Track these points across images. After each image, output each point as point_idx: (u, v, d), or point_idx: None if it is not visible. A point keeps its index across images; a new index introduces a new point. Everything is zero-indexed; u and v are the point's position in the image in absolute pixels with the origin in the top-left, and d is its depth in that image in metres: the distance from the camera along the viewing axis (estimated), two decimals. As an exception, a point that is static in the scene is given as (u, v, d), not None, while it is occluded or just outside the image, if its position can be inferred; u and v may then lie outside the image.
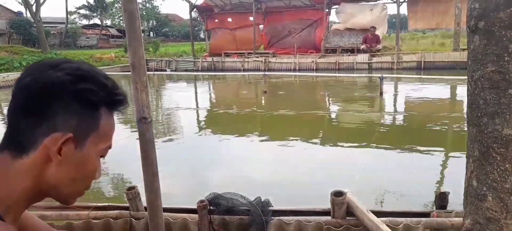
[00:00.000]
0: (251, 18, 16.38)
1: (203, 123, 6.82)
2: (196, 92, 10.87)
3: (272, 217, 1.78)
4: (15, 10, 31.20)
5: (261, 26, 17.27)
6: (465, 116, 1.08)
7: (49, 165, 0.50)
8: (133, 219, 1.90)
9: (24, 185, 0.50)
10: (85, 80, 0.50)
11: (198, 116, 7.51)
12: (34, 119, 0.49)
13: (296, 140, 4.97)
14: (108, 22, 40.52)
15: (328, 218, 1.75)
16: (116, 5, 37.82)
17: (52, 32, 31.21)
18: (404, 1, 14.61)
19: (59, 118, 0.49)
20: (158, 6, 45.30)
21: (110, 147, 0.57)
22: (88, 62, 0.55)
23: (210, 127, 6.38)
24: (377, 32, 14.07)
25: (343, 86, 10.21)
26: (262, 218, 1.72)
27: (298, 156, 4.32)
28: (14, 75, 11.40)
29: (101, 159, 0.57)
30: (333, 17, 17.24)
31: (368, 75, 10.73)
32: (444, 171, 3.74)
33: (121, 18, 36.84)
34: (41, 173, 0.50)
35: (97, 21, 39.36)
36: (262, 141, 5.09)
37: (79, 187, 0.55)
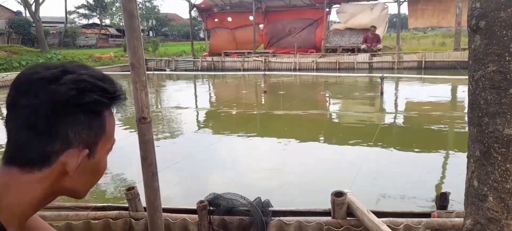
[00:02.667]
0: (251, 18, 16.37)
1: (203, 122, 6.81)
2: (195, 92, 10.87)
3: (272, 218, 1.78)
4: (14, 10, 31.16)
5: (261, 26, 17.26)
6: (466, 116, 1.07)
7: (65, 177, 0.52)
8: (132, 220, 1.90)
9: (33, 196, 0.51)
10: (88, 91, 0.50)
11: (197, 116, 7.51)
12: (44, 137, 0.49)
13: (296, 140, 4.96)
14: (108, 21, 40.47)
15: (329, 218, 1.75)
16: (115, 4, 37.79)
17: (51, 31, 31.19)
18: (404, 1, 14.60)
19: (70, 133, 0.50)
20: (157, 6, 45.26)
21: (114, 142, 0.59)
22: (84, 65, 0.54)
23: (210, 127, 6.37)
24: (377, 32, 14.06)
25: (344, 86, 10.20)
26: (262, 219, 1.72)
27: (298, 156, 4.31)
28: (13, 75, 11.39)
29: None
30: (333, 16, 17.26)
31: (368, 75, 10.71)
32: (445, 171, 3.73)
33: (120, 17, 36.83)
34: (55, 184, 0.52)
35: (96, 20, 39.32)
36: (262, 141, 5.08)
37: (92, 183, 0.58)
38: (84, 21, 39.55)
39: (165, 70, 15.02)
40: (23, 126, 0.49)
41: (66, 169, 0.50)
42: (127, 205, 1.93)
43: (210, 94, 10.69)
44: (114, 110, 0.56)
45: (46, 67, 0.51)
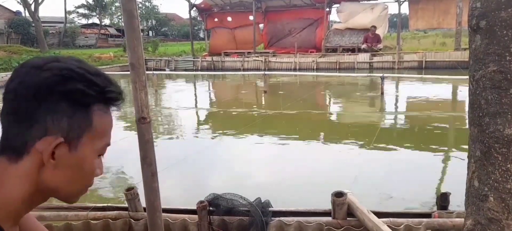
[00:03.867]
0: (251, 18, 16.36)
1: (202, 122, 6.81)
2: (195, 92, 10.86)
3: (272, 218, 1.77)
4: (14, 10, 31.17)
5: (261, 26, 17.24)
6: (467, 116, 1.07)
7: (44, 169, 0.50)
8: (132, 220, 1.89)
9: (22, 190, 0.49)
10: (72, 80, 0.48)
11: (197, 116, 7.50)
12: (24, 123, 0.48)
13: (296, 140, 4.96)
14: (107, 21, 40.47)
15: (329, 219, 1.75)
16: (115, 4, 37.78)
17: (50, 31, 31.19)
18: (405, 1, 14.60)
19: (49, 120, 0.48)
20: (157, 6, 45.25)
21: (108, 144, 0.56)
22: (78, 59, 0.52)
23: (210, 127, 6.37)
24: (378, 32, 14.05)
25: (344, 86, 10.20)
26: (262, 219, 1.71)
27: (298, 156, 4.31)
28: (14, 75, 11.36)
29: (101, 156, 0.56)
30: (333, 16, 17.27)
31: (369, 75, 10.71)
32: (446, 171, 3.73)
33: (120, 17, 36.81)
34: (37, 177, 0.50)
35: (96, 20, 39.31)
36: (262, 141, 5.08)
37: (79, 186, 0.54)
38: (84, 21, 39.55)
39: (164, 70, 15.00)
40: (8, 112, 0.49)
41: (42, 158, 0.48)
42: (126, 206, 1.93)
43: (210, 94, 10.69)
44: (111, 109, 0.54)
45: (40, 58, 0.51)
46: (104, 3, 37.83)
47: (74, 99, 0.49)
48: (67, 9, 34.69)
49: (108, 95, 0.52)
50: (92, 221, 1.89)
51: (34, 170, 0.49)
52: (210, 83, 12.29)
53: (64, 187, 0.52)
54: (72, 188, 0.54)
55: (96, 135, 0.53)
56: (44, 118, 0.48)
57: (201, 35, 32.54)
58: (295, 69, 13.40)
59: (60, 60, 0.50)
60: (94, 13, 39.31)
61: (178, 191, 3.40)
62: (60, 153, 0.49)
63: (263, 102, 8.38)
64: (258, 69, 13.22)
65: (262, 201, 1.82)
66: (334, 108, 7.87)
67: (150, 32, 43.29)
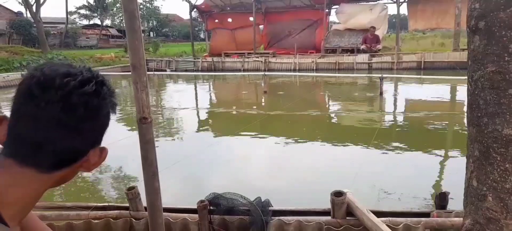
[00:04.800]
0: (251, 19, 16.37)
1: (203, 122, 6.82)
2: (196, 93, 10.87)
3: (272, 217, 1.78)
4: (15, 10, 31.24)
5: (261, 27, 17.26)
6: (465, 116, 1.08)
7: (76, 171, 0.56)
8: (133, 219, 1.90)
9: (38, 192, 0.52)
10: (107, 98, 0.55)
11: (198, 116, 7.51)
12: (77, 138, 0.52)
13: (296, 140, 4.96)
14: (108, 22, 40.53)
15: (328, 218, 1.75)
16: (116, 5, 37.81)
17: (52, 32, 31.24)
18: (404, 1, 14.61)
19: (97, 136, 0.55)
20: (158, 6, 45.29)
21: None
22: (90, 68, 0.57)
23: (210, 127, 6.38)
24: (377, 32, 14.07)
25: (343, 87, 10.21)
26: (262, 218, 1.72)
27: (298, 156, 4.31)
28: (14, 75, 11.36)
29: None
30: (333, 17, 17.25)
31: (368, 75, 10.72)
32: (444, 171, 3.74)
33: (121, 18, 36.86)
34: (64, 179, 0.55)
35: (97, 21, 39.37)
36: (262, 140, 5.09)
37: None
38: (85, 22, 39.63)
39: (165, 70, 15.02)
40: (48, 123, 0.48)
41: (86, 164, 0.55)
42: (127, 205, 1.94)
43: (210, 94, 10.70)
44: None
45: (68, 70, 0.51)
46: (105, 4, 37.90)
47: (106, 113, 0.55)
48: (69, 10, 34.76)
49: (115, 104, 0.58)
50: (93, 221, 1.90)
51: (64, 177, 0.55)
52: (211, 84, 12.30)
53: (71, 178, 0.58)
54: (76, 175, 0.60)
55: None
56: (92, 132, 0.54)
57: (202, 36, 32.57)
58: (295, 70, 13.41)
59: (98, 78, 0.54)
60: (95, 14, 39.37)
61: (179, 190, 3.41)
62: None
63: (263, 103, 8.38)
64: (258, 70, 13.24)
65: (262, 201, 1.82)
66: (334, 108, 7.88)
67: (151, 33, 43.34)
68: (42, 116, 0.48)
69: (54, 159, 0.51)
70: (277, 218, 1.78)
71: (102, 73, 0.58)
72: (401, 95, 8.90)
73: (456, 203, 2.08)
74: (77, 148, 0.53)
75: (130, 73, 1.33)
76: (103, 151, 0.56)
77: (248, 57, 14.70)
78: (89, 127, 0.53)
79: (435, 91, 8.42)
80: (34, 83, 0.49)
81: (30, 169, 0.50)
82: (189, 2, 17.25)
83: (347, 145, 4.71)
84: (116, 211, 1.95)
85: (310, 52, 15.01)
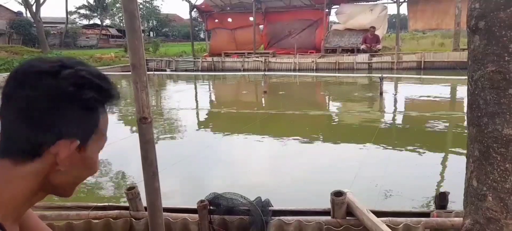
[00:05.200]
0: (251, 18, 16.37)
1: (203, 122, 6.82)
2: (196, 92, 10.87)
3: (272, 217, 1.78)
4: (15, 10, 31.24)
5: (261, 27, 17.26)
6: (465, 116, 1.08)
7: (55, 170, 0.52)
8: (133, 219, 1.90)
9: (26, 190, 0.51)
10: (86, 88, 0.51)
11: (198, 116, 7.51)
12: (38, 127, 0.50)
13: (296, 139, 4.96)
14: (108, 22, 40.52)
15: (328, 218, 1.75)
16: (116, 5, 37.82)
17: (52, 32, 31.23)
18: (404, 1, 14.61)
19: (64, 126, 0.51)
20: (158, 6, 45.29)
21: (106, 140, 0.59)
22: (81, 61, 0.55)
23: (210, 127, 6.38)
24: (377, 32, 14.07)
25: (343, 87, 10.21)
26: (262, 218, 1.72)
27: (298, 156, 4.31)
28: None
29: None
30: (333, 17, 17.25)
31: (368, 75, 10.73)
32: (444, 171, 3.74)
33: (121, 18, 36.85)
34: (46, 177, 0.52)
35: (97, 21, 39.35)
36: (262, 140, 5.09)
37: (80, 181, 0.58)
38: (85, 22, 39.62)
39: (165, 70, 15.02)
40: (17, 117, 0.50)
41: (56, 159, 0.51)
42: (127, 205, 1.94)
43: (210, 94, 10.70)
44: (107, 109, 0.57)
45: (44, 61, 0.52)
46: (105, 4, 37.89)
47: (86, 106, 0.52)
48: (68, 10, 34.75)
49: (110, 97, 0.55)
50: (93, 220, 1.90)
51: (44, 171, 0.52)
52: (211, 84, 12.30)
53: (68, 184, 0.56)
54: (74, 184, 0.57)
55: (100, 134, 0.56)
56: (59, 123, 0.50)
57: (202, 36, 32.56)
58: (294, 70, 13.41)
59: (67, 64, 0.51)
60: (95, 14, 39.37)
61: (179, 190, 3.41)
62: (73, 155, 0.52)
63: (263, 103, 8.39)
64: (258, 70, 13.24)
65: (262, 200, 1.82)
66: (334, 108, 7.88)
67: (151, 33, 43.32)
68: (9, 106, 0.50)
69: (19, 147, 0.50)
70: (277, 218, 1.78)
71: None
72: (401, 95, 8.90)
73: (456, 203, 2.09)
74: (37, 137, 0.50)
75: (130, 73, 1.33)
76: (72, 143, 0.51)
77: (248, 57, 14.70)
78: (49, 116, 0.49)
79: (435, 91, 8.42)
80: (8, 77, 0.51)
81: (7, 161, 0.50)
82: (189, 2, 17.25)
83: (347, 145, 4.71)
84: (116, 211, 1.95)
85: (310, 52, 15.01)
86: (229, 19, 17.63)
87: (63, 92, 0.49)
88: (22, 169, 0.50)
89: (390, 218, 1.71)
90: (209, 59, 15.45)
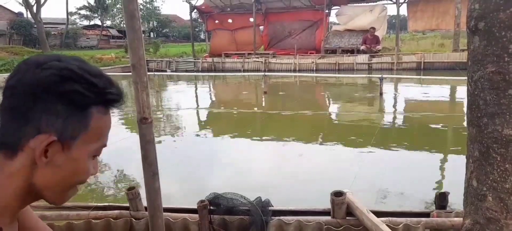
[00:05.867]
0: (251, 19, 16.39)
1: (203, 123, 6.82)
2: (196, 93, 10.88)
3: (272, 217, 1.78)
4: (16, 11, 31.29)
5: (261, 27, 17.28)
6: (465, 116, 1.08)
7: (36, 167, 0.49)
8: (133, 219, 1.90)
9: (15, 187, 0.49)
10: (71, 81, 0.48)
11: (198, 116, 7.51)
12: (21, 120, 0.48)
13: (296, 140, 4.97)
14: (109, 22, 40.54)
15: (328, 218, 1.75)
16: (116, 6, 37.87)
17: (52, 32, 31.24)
18: (403, 2, 14.62)
19: (43, 119, 0.48)
20: (158, 7, 45.30)
21: (104, 146, 0.55)
22: (80, 59, 0.52)
23: (211, 127, 6.38)
24: (377, 33, 14.08)
25: (343, 87, 10.21)
26: (262, 218, 1.72)
27: (298, 156, 4.32)
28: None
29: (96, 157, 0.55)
30: (333, 18, 17.27)
31: (368, 75, 10.73)
32: (444, 171, 3.74)
33: (121, 18, 36.90)
34: (30, 174, 0.49)
35: (97, 21, 39.39)
36: (262, 141, 5.09)
37: (69, 186, 0.53)
38: (86, 22, 39.64)
39: (166, 71, 15.04)
40: (6, 108, 0.49)
41: (34, 156, 0.48)
42: (128, 205, 1.94)
43: (210, 95, 10.70)
44: (110, 111, 0.53)
45: (42, 56, 0.51)
46: (105, 4, 37.92)
47: (71, 100, 0.48)
48: (69, 11, 34.79)
49: (108, 97, 0.51)
50: (93, 221, 1.90)
51: (26, 168, 0.49)
52: (211, 84, 12.30)
53: (53, 186, 0.51)
54: (62, 188, 0.52)
55: (92, 137, 0.52)
56: (39, 116, 0.48)
57: (202, 36, 32.60)
58: (294, 70, 13.42)
59: (62, 60, 0.49)
60: (96, 15, 39.40)
61: (179, 190, 3.41)
62: (53, 152, 0.49)
63: (263, 103, 8.39)
64: (258, 70, 13.25)
65: (262, 200, 1.83)
66: (334, 108, 7.88)
67: (151, 34, 43.34)
68: (3, 98, 0.50)
69: (6, 140, 0.49)
70: (277, 218, 1.78)
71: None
72: (401, 95, 8.91)
73: (456, 203, 2.09)
74: (20, 129, 0.48)
75: (130, 73, 1.33)
76: (49, 138, 0.47)
77: (248, 58, 14.71)
78: (28, 107, 0.47)
79: (435, 91, 8.42)
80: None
81: (1, 155, 0.49)
82: (189, 3, 17.26)
83: (347, 145, 4.71)
84: (116, 211, 1.95)
85: (310, 53, 15.02)
86: (229, 20, 17.64)
87: (44, 83, 0.47)
88: (9, 165, 0.49)
89: (390, 218, 1.71)
90: (209, 59, 15.46)
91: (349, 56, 13.72)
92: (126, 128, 5.68)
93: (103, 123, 0.53)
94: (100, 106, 0.51)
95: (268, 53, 15.38)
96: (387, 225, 1.62)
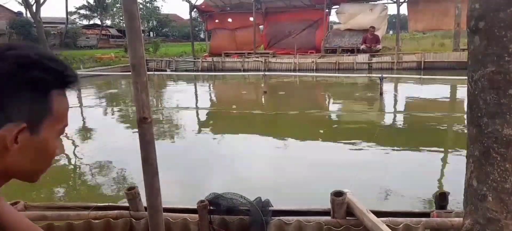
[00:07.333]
0: (251, 19, 16.38)
1: (203, 122, 6.82)
2: (196, 93, 10.87)
3: (272, 217, 1.78)
4: (15, 10, 31.26)
5: (261, 27, 17.27)
6: (465, 116, 1.08)
7: (8, 153, 0.51)
8: (133, 219, 1.90)
9: None
10: (30, 68, 0.49)
11: (198, 116, 7.51)
12: None
13: (296, 139, 4.97)
14: (108, 22, 40.52)
15: (328, 218, 1.75)
16: (116, 5, 37.85)
17: (52, 32, 31.21)
18: (404, 1, 14.62)
19: (10, 108, 0.49)
20: (158, 7, 45.30)
21: (66, 125, 0.58)
22: (32, 44, 0.54)
23: (210, 127, 6.38)
24: (377, 33, 14.08)
25: (343, 87, 10.21)
26: (262, 218, 1.72)
27: (298, 156, 4.32)
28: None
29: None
30: (333, 17, 17.27)
31: (368, 75, 10.73)
32: (444, 171, 3.74)
33: (121, 18, 36.87)
34: (1, 159, 0.51)
35: (97, 21, 39.35)
36: (262, 140, 5.09)
37: (41, 166, 0.57)
38: (85, 22, 39.59)
39: (165, 70, 15.03)
40: None
41: (5, 144, 0.50)
42: (127, 205, 1.94)
43: (210, 94, 10.70)
44: (67, 92, 0.56)
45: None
46: (105, 4, 37.89)
47: (33, 86, 0.50)
48: (69, 10, 34.71)
49: (66, 79, 0.54)
50: (93, 221, 1.89)
51: None
52: (211, 84, 12.30)
53: (26, 168, 0.54)
54: (34, 169, 0.56)
55: (56, 118, 0.54)
56: (5, 106, 0.49)
57: (202, 36, 32.59)
58: (294, 70, 13.42)
59: (16, 48, 0.51)
60: (96, 14, 39.37)
61: (179, 190, 3.41)
62: (23, 138, 0.51)
63: (263, 103, 8.39)
64: (258, 70, 13.25)
65: (262, 200, 1.82)
66: (334, 108, 7.88)
67: (151, 33, 43.32)
68: None
69: None
70: (277, 218, 1.78)
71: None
72: (401, 95, 8.91)
73: (456, 203, 2.09)
74: None
75: (130, 73, 1.33)
76: (19, 126, 0.49)
77: (248, 57, 14.71)
78: None
79: (435, 91, 8.42)
80: None
81: None
82: (189, 2, 17.25)
83: (347, 145, 4.71)
84: (116, 211, 1.95)
85: (310, 52, 15.02)
86: (229, 19, 17.64)
87: (6, 73, 0.48)
88: None
89: (390, 218, 1.71)
90: (209, 59, 15.46)
91: (349, 55, 13.72)
92: (126, 128, 5.68)
93: (64, 104, 0.56)
94: (59, 89, 0.54)
95: (268, 53, 15.38)
96: (387, 225, 1.61)
